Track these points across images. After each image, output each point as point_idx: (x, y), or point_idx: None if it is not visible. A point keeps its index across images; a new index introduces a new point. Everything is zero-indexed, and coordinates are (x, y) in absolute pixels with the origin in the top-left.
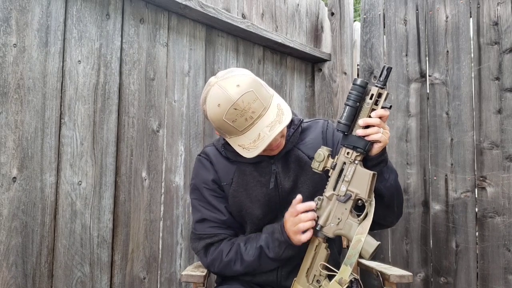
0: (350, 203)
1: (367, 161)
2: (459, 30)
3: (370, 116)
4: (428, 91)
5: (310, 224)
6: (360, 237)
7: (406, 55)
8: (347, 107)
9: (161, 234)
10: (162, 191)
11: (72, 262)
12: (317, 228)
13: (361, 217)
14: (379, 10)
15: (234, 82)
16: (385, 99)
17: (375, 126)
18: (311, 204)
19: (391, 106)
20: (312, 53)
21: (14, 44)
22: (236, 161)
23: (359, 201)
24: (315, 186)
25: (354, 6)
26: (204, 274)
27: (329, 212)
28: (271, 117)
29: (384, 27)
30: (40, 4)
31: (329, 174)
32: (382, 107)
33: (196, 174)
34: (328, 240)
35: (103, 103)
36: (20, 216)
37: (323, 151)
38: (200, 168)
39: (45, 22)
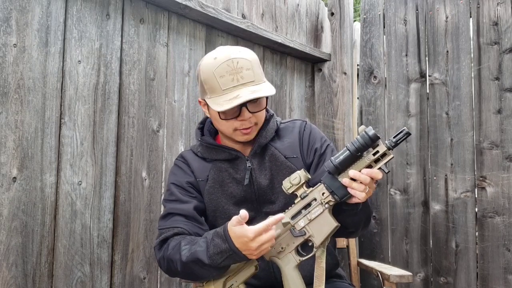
0: (300, 240)
1: (341, 203)
2: (459, 30)
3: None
4: (428, 91)
5: (271, 244)
6: None
7: (406, 55)
8: (347, 151)
9: None
10: (162, 191)
11: (72, 262)
12: None
13: (303, 259)
14: (379, 10)
15: (238, 49)
16: (386, 163)
17: (362, 184)
18: (270, 222)
19: (388, 172)
20: (312, 53)
21: (14, 44)
22: (212, 159)
23: (310, 242)
24: None
25: (354, 6)
26: None
27: (277, 237)
28: (254, 88)
29: (384, 27)
30: (40, 4)
31: (295, 201)
32: (379, 168)
33: (170, 176)
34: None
35: (103, 103)
36: (20, 216)
37: (301, 176)
38: (175, 170)
39: (45, 22)
